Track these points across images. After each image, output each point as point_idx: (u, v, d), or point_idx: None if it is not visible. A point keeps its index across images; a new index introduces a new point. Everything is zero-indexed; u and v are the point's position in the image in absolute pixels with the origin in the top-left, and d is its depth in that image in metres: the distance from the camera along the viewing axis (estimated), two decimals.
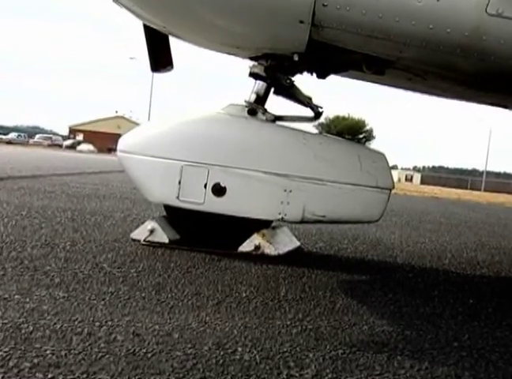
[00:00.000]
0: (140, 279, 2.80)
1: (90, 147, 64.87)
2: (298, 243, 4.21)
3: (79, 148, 62.63)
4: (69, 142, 69.35)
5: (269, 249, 3.76)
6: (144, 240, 3.77)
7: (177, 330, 2.07)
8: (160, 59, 4.30)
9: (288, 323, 2.31)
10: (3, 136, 61.97)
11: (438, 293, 3.26)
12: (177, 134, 3.78)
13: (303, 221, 3.74)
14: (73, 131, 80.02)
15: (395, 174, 67.19)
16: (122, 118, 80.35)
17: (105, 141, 66.57)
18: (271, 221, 3.90)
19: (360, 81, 4.54)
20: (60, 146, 64.36)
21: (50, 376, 1.59)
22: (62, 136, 78.79)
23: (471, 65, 3.43)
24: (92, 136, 72.39)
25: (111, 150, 52.61)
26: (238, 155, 3.69)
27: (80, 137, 75.50)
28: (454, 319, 2.68)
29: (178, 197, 3.70)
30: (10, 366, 1.62)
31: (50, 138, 71.62)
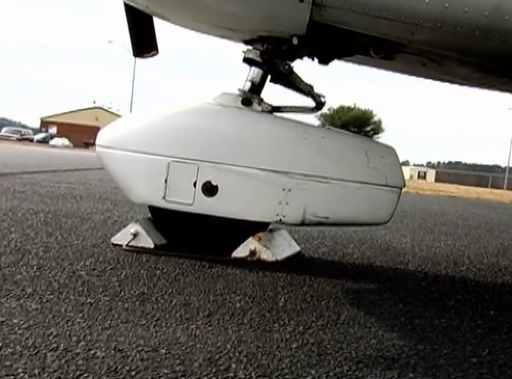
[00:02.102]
0: (122, 288, 2.81)
1: (65, 141, 64.77)
2: (298, 248, 4.22)
3: (52, 142, 62.53)
4: (40, 136, 69.20)
5: (266, 255, 3.77)
6: (126, 245, 3.77)
7: (164, 345, 2.08)
8: (144, 43, 4.31)
9: (288, 336, 2.33)
10: None
11: (454, 303, 3.28)
12: (163, 127, 3.78)
13: (303, 223, 3.76)
14: (45, 123, 79.87)
15: (406, 170, 67.35)
16: (101, 108, 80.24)
17: (82, 135, 66.50)
18: (268, 223, 3.91)
19: (367, 67, 4.56)
20: (31, 140, 64.20)
21: None
22: (33, 129, 78.59)
23: (491, 49, 3.45)
24: (66, 130, 72.26)
25: (89, 144, 52.56)
26: (231, 151, 3.70)
27: (53, 130, 75.37)
28: (473, 332, 2.70)
29: (164, 197, 3.71)
30: None
31: (20, 132, 71.42)
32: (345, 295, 3.19)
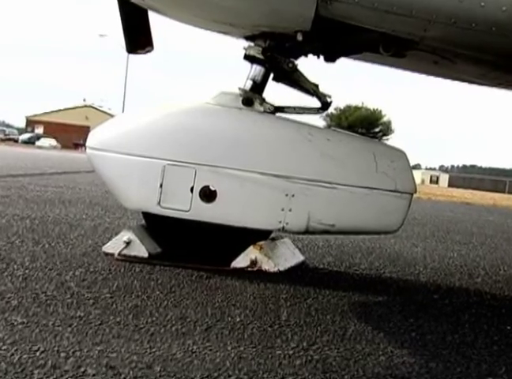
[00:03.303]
0: (114, 300, 2.81)
1: (52, 142, 64.85)
2: (302, 258, 4.23)
3: (39, 143, 62.60)
4: (26, 136, 69.25)
5: (268, 265, 3.78)
6: (118, 254, 3.78)
7: (159, 361, 2.09)
8: (138, 38, 4.32)
9: (291, 353, 2.33)
10: None
11: (468, 317, 3.28)
12: (158, 128, 3.79)
13: (307, 231, 3.76)
14: (31, 123, 79.94)
15: (418, 174, 67.36)
16: (91, 107, 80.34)
17: (70, 135, 66.58)
18: (270, 231, 3.91)
19: (376, 65, 4.57)
20: (15, 141, 64.31)
21: None
22: (18, 128, 78.64)
23: (509, 46, 3.46)
24: (54, 129, 72.34)
25: (78, 146, 52.57)
26: (230, 153, 3.71)
27: (39, 130, 75.44)
28: (488, 349, 2.70)
29: (159, 203, 3.72)
30: None
31: (4, 131, 71.50)
32: (352, 309, 3.19)
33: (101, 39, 67.82)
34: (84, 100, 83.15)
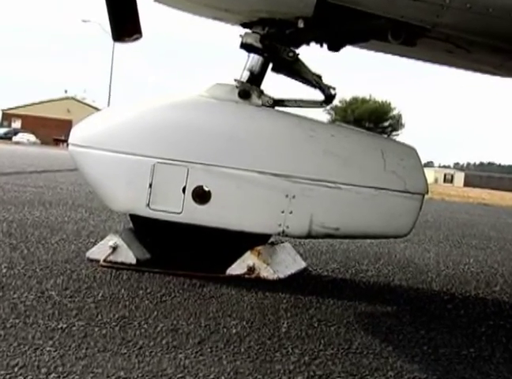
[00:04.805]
0: (99, 311, 2.82)
1: (31, 137, 64.71)
2: (304, 264, 4.24)
3: (16, 138, 62.44)
4: (1, 131, 69.07)
5: (267, 272, 3.78)
6: (104, 260, 3.78)
7: (148, 377, 2.10)
8: (125, 25, 4.31)
9: (291, 368, 2.34)
10: None
11: (485, 329, 3.29)
12: (147, 123, 3.80)
13: (310, 235, 3.78)
14: (7, 116, 79.77)
15: (430, 173, 67.41)
16: (73, 99, 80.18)
17: (51, 130, 66.48)
18: (269, 235, 3.92)
19: (385, 54, 4.58)
20: None
21: None
22: None
23: None
24: (33, 124, 72.22)
25: (59, 141, 52.51)
26: (225, 151, 3.71)
27: (17, 125, 75.28)
28: (507, 364, 2.71)
29: (148, 205, 3.73)
30: None
31: None
32: (358, 320, 3.20)
33: (84, 25, 67.75)
34: (66, 92, 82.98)
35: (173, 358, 2.31)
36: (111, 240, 3.83)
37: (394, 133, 68.93)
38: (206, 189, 3.70)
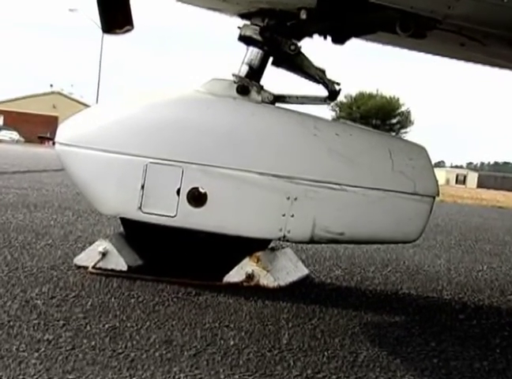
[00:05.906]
0: (88, 321, 2.83)
1: (14, 135, 64.68)
2: (306, 271, 4.24)
3: None
4: None
5: (266, 280, 3.79)
6: (93, 267, 3.79)
7: None
8: (116, 16, 4.32)
9: None
10: None
11: (500, 341, 3.30)
12: (140, 121, 3.80)
13: (312, 240, 3.78)
14: None
15: (441, 173, 67.38)
16: (59, 94, 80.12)
17: (35, 127, 66.28)
18: (269, 240, 3.93)
19: (393, 47, 4.59)
20: None
21: None
22: None
23: None
24: (16, 120, 72.13)
25: (44, 139, 52.42)
26: (223, 150, 3.72)
27: None
28: None
29: (140, 208, 3.73)
30: None
31: None
32: (364, 330, 3.21)
33: (71, 15, 67.73)
34: (52, 86, 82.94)
35: (167, 371, 2.32)
36: (101, 245, 3.84)
37: (403, 130, 69.02)
38: (202, 190, 3.71)
